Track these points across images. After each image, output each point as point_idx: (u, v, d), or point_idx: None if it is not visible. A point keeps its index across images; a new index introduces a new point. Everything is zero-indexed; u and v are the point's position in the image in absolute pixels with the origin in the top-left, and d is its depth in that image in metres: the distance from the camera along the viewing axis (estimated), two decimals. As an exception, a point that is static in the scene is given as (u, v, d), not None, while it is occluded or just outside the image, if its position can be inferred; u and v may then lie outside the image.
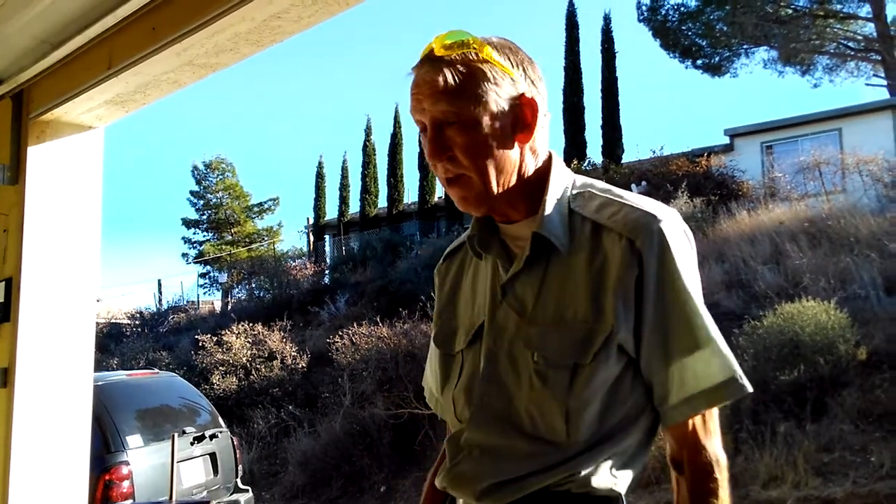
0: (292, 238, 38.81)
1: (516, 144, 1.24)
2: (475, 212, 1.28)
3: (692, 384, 1.19)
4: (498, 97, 1.22)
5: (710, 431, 1.23)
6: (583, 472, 1.20)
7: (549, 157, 1.32)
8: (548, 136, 1.32)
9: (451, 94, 1.20)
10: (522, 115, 1.24)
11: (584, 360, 1.18)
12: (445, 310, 1.43)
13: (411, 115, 1.26)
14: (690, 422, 1.21)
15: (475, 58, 1.21)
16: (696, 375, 1.19)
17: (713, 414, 1.23)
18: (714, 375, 1.19)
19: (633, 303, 1.17)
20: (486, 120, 1.21)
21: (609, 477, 1.22)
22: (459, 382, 1.33)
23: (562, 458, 1.20)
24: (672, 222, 1.20)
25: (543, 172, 1.29)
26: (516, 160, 1.25)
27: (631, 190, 14.13)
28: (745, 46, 18.26)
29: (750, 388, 1.21)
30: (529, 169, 1.27)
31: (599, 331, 1.17)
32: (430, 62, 1.21)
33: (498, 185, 1.23)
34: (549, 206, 1.24)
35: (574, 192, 1.29)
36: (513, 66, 1.24)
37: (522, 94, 1.24)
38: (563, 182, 1.29)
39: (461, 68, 1.20)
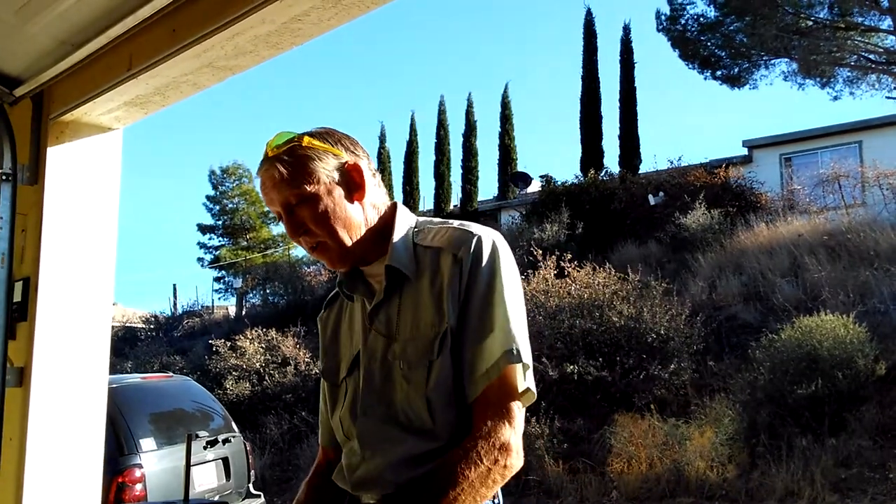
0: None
1: (356, 203, 1.50)
2: (341, 268, 1.53)
3: (482, 363, 1.39)
4: (326, 170, 1.47)
5: (506, 418, 1.37)
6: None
7: (394, 207, 1.58)
8: (383, 190, 1.59)
9: (288, 181, 1.45)
10: (352, 179, 1.50)
11: (434, 357, 1.42)
12: (330, 349, 1.67)
13: (268, 207, 1.51)
14: (485, 400, 1.38)
15: (299, 147, 1.47)
16: (483, 357, 1.39)
17: (513, 408, 1.39)
18: (495, 352, 1.39)
19: (459, 301, 1.42)
20: (322, 192, 1.46)
21: None
22: (344, 405, 1.56)
23: (437, 445, 1.42)
24: (486, 236, 1.46)
25: (388, 219, 1.55)
26: (360, 216, 1.51)
27: (649, 201, 14.05)
28: (764, 58, 18.14)
29: (525, 360, 1.40)
30: (373, 219, 1.53)
31: (441, 329, 1.41)
32: (267, 161, 1.47)
33: (351, 240, 1.49)
34: (397, 244, 1.49)
35: (416, 229, 1.55)
36: (332, 145, 1.51)
37: (346, 162, 1.51)
38: (406, 224, 1.55)
39: (290, 159, 1.46)
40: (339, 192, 1.48)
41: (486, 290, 1.42)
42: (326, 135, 1.52)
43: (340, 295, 1.66)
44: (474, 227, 1.49)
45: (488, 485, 1.34)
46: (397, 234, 1.51)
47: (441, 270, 1.44)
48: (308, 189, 1.45)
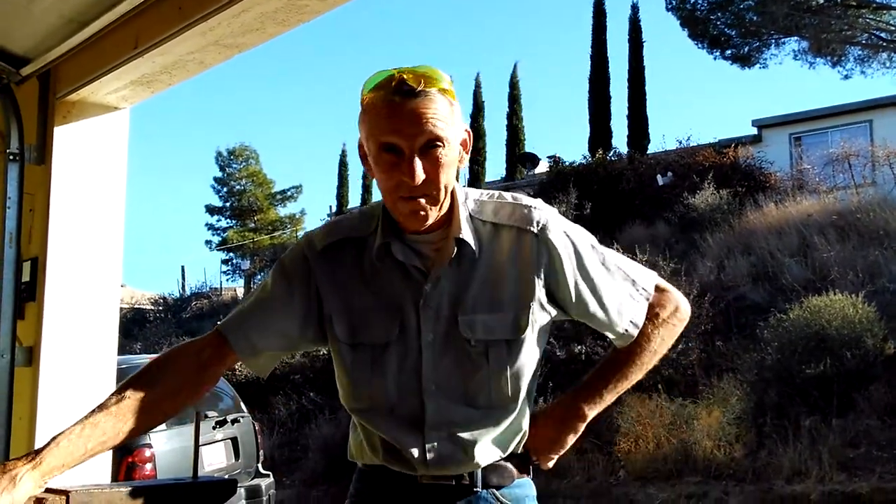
0: (315, 226, 38.93)
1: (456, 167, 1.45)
2: (423, 226, 1.41)
3: (622, 320, 1.51)
4: (459, 128, 1.42)
5: (663, 306, 1.56)
6: (523, 426, 1.51)
7: None
8: None
9: (442, 122, 1.35)
10: (466, 143, 1.46)
11: (516, 336, 1.43)
12: (338, 306, 1.49)
13: (376, 139, 1.37)
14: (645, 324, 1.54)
15: (449, 90, 1.38)
16: (623, 315, 1.51)
17: (661, 287, 1.57)
18: (632, 304, 1.52)
19: (545, 276, 1.44)
20: (455, 147, 1.41)
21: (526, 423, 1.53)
22: (389, 372, 1.45)
23: (511, 419, 1.47)
24: (545, 207, 1.48)
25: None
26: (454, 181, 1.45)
27: (657, 181, 13.89)
28: (775, 37, 17.95)
29: (649, 288, 1.55)
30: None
31: (523, 308, 1.43)
32: (416, 94, 1.34)
33: (443, 202, 1.41)
34: (463, 218, 1.44)
35: (467, 200, 1.49)
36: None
37: (466, 127, 1.45)
38: (461, 195, 1.48)
39: (446, 100, 1.37)
40: (458, 151, 1.43)
41: (584, 257, 1.48)
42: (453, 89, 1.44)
43: (347, 248, 1.50)
44: (528, 200, 1.50)
45: (674, 335, 1.56)
46: (461, 206, 1.46)
47: (512, 246, 1.44)
48: (451, 139, 1.38)
